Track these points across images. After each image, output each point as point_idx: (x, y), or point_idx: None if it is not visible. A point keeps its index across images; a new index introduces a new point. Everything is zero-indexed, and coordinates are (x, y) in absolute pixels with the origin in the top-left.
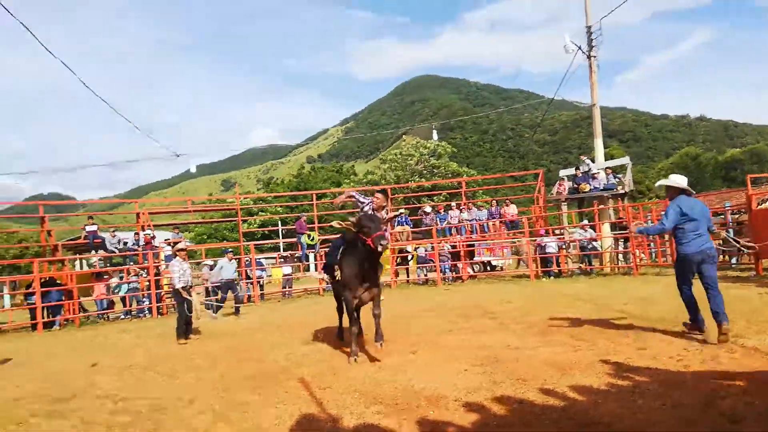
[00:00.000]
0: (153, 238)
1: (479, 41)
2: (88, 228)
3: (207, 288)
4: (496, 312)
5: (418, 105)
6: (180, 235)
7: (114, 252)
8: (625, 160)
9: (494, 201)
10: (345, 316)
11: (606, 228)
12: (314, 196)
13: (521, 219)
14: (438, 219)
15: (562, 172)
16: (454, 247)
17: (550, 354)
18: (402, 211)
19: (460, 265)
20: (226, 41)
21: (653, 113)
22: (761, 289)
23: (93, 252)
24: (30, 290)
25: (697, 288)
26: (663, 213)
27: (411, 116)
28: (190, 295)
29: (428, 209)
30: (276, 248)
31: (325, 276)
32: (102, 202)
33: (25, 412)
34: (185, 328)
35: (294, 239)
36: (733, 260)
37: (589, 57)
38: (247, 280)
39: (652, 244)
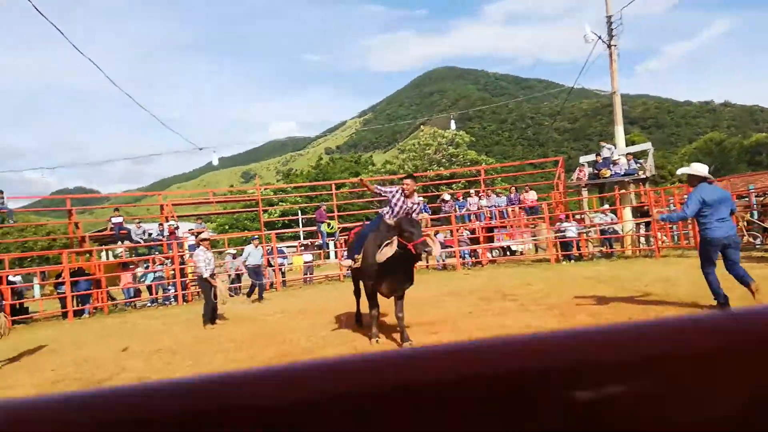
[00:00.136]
0: (177, 228)
1: (497, 33)
2: (114, 219)
3: (230, 275)
4: (517, 295)
5: (436, 96)
6: (203, 225)
7: (139, 242)
8: (647, 145)
9: (513, 188)
10: (363, 300)
11: (627, 212)
12: (333, 186)
13: (541, 205)
14: (457, 206)
15: (583, 159)
16: (473, 232)
17: None
18: (447, 197)
19: (479, 250)
20: (247, 38)
21: (676, 100)
22: None
23: (119, 243)
24: (60, 280)
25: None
26: (686, 199)
27: (429, 107)
28: (216, 283)
29: (447, 197)
30: (296, 237)
31: (350, 262)
32: (126, 195)
33: None
34: (211, 314)
35: (314, 228)
36: (758, 241)
37: (609, 46)
38: (269, 268)
39: (674, 227)
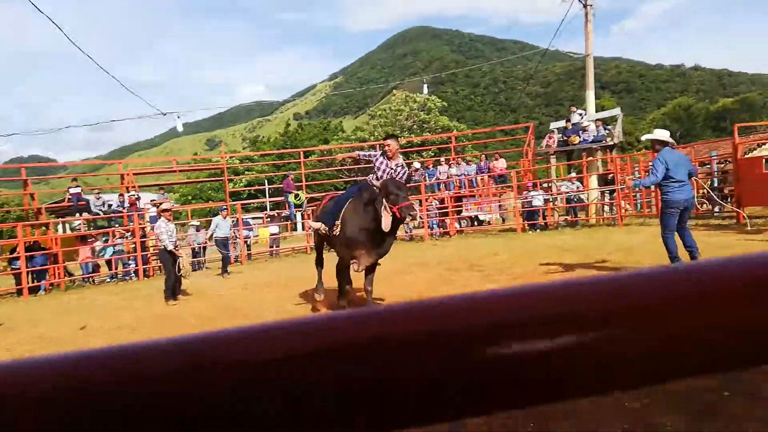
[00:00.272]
0: (138, 199)
1: None
2: (71, 190)
3: (193, 248)
4: (483, 265)
5: (409, 58)
6: (165, 196)
7: (98, 214)
8: (616, 111)
9: (483, 155)
10: (326, 271)
11: (593, 180)
12: (301, 154)
13: (510, 173)
14: (427, 174)
15: (553, 125)
16: (441, 202)
17: None
18: (418, 165)
19: (447, 220)
20: None
21: (648, 63)
22: (741, 236)
23: (77, 215)
24: (14, 255)
25: None
26: (651, 165)
27: (402, 70)
28: (180, 255)
29: (417, 165)
30: (262, 208)
31: (322, 226)
32: (85, 164)
33: None
34: (173, 289)
35: (281, 198)
36: (716, 209)
37: (585, 5)
38: (234, 240)
39: (637, 195)
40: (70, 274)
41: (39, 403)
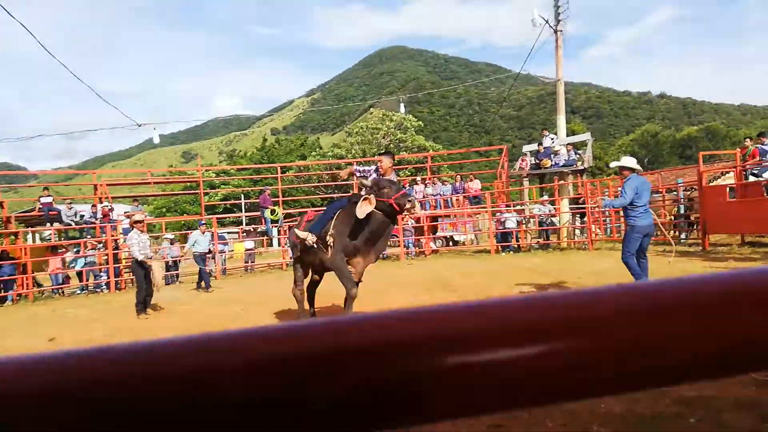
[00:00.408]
0: (111, 210)
1: (449, 12)
2: (43, 200)
3: (167, 262)
4: (457, 286)
5: (386, 77)
6: (140, 208)
7: (70, 225)
8: (586, 136)
9: (458, 176)
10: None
11: (565, 203)
12: (279, 170)
13: (484, 194)
14: None
15: (526, 148)
16: (417, 221)
17: None
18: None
19: (423, 240)
20: (192, 8)
21: (616, 90)
22: (706, 263)
23: (48, 224)
24: None
25: None
26: (621, 189)
27: (378, 88)
28: (151, 267)
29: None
30: (238, 222)
31: (310, 236)
32: (57, 173)
33: None
34: (145, 302)
35: (257, 213)
36: (683, 235)
37: (555, 31)
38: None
39: (607, 219)
40: (39, 285)
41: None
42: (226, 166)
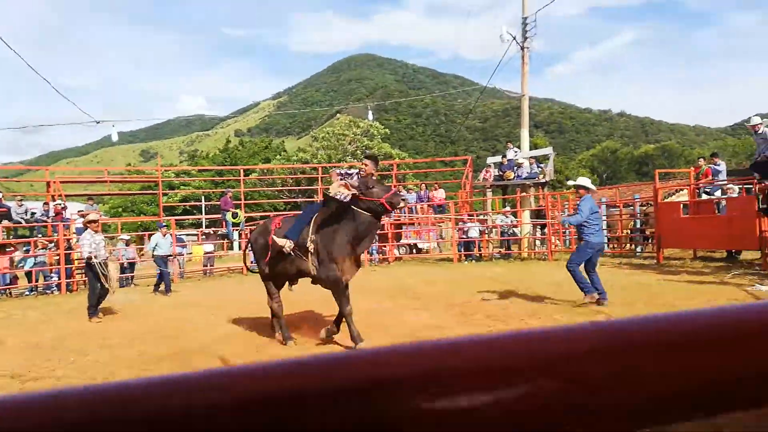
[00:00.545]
0: (64, 209)
1: (419, 23)
2: None
3: (121, 264)
4: (419, 293)
5: (354, 84)
6: (95, 207)
7: (20, 222)
8: (549, 150)
9: (423, 184)
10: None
11: (526, 215)
12: (242, 172)
13: (448, 204)
14: None
15: (490, 160)
16: (382, 228)
17: (466, 333)
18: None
19: (387, 247)
20: (159, 5)
21: (578, 106)
22: (660, 276)
23: None
24: None
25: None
26: (578, 206)
27: (346, 95)
28: (106, 268)
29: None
30: (198, 224)
31: (288, 242)
32: (7, 168)
33: None
34: (97, 305)
35: (218, 216)
36: (638, 249)
37: (522, 48)
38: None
39: (567, 231)
40: None
41: None
42: (187, 167)
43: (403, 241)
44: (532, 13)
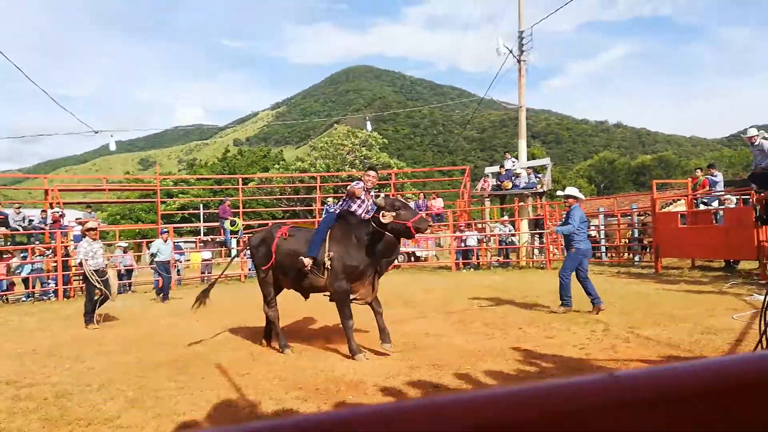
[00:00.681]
0: (62, 216)
1: (417, 36)
2: None
3: (119, 271)
4: (418, 301)
5: (352, 94)
6: (93, 215)
7: (18, 230)
8: (546, 160)
9: (422, 194)
10: (270, 311)
11: (524, 224)
12: (240, 181)
13: (446, 212)
14: None
15: (488, 170)
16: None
17: (465, 342)
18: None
19: None
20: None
21: (575, 118)
22: (658, 285)
23: None
24: None
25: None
26: (569, 216)
27: (344, 105)
28: (104, 277)
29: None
30: (196, 232)
31: (308, 261)
32: (5, 176)
33: None
34: (93, 312)
35: (216, 223)
36: (636, 258)
37: (519, 61)
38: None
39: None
40: None
41: None
42: (186, 176)
43: (401, 249)
44: (528, 27)
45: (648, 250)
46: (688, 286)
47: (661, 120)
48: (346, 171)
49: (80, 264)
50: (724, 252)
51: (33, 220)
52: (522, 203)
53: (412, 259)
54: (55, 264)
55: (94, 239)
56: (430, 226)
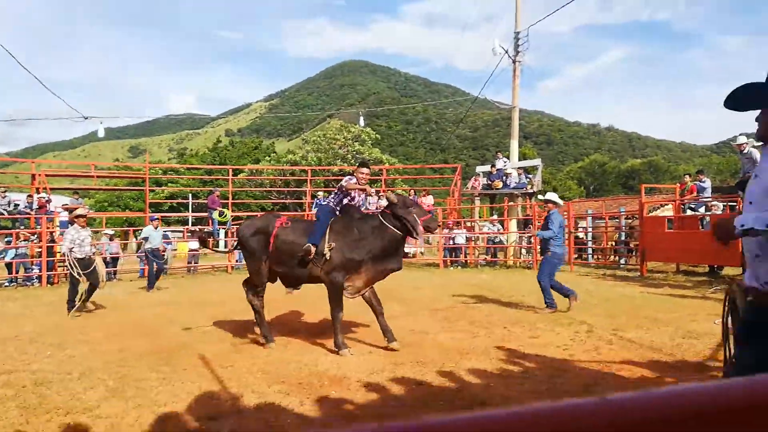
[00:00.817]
0: (48, 201)
1: (414, 33)
2: None
3: (105, 258)
4: (405, 298)
5: (346, 89)
6: (80, 201)
7: (2, 214)
8: (537, 161)
9: (412, 190)
10: (255, 299)
11: (513, 224)
12: (230, 172)
13: (436, 210)
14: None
15: (479, 168)
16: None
17: (450, 339)
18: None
19: None
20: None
21: (567, 120)
22: (643, 289)
23: None
24: None
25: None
26: (548, 221)
27: (338, 99)
28: (91, 264)
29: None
30: (184, 222)
31: (312, 249)
32: None
33: None
34: (86, 300)
35: (204, 214)
36: (622, 261)
37: (514, 62)
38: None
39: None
40: None
41: None
42: (176, 165)
43: None
44: (524, 28)
45: (634, 253)
46: (672, 290)
47: (652, 125)
48: (338, 165)
49: (76, 257)
50: (708, 257)
51: (18, 205)
52: (512, 203)
53: None
54: (39, 250)
55: (83, 226)
56: (439, 226)
